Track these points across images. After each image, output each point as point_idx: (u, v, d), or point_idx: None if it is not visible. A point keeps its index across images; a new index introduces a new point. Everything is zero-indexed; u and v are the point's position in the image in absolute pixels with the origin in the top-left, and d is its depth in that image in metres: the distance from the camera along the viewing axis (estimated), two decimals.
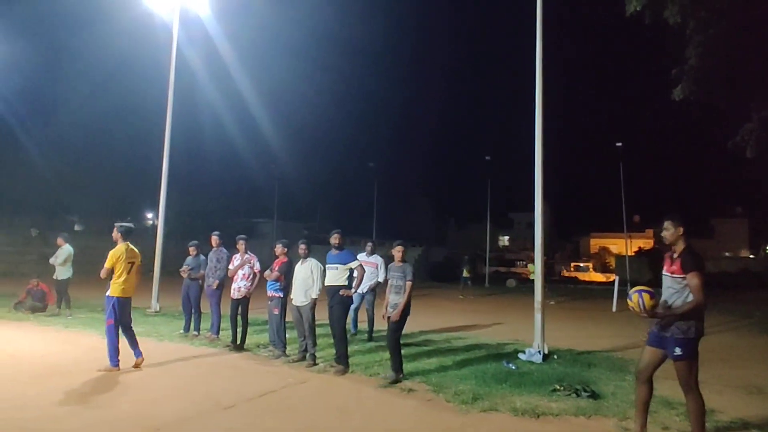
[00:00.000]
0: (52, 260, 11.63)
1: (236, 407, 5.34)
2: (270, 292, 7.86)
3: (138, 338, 7.00)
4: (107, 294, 6.72)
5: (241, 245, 8.62)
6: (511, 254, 48.91)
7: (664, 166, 78.79)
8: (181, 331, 9.48)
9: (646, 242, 52.22)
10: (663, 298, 4.46)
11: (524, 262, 36.75)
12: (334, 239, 7.30)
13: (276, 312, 7.82)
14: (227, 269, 8.80)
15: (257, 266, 8.56)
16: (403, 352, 6.82)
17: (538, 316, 8.53)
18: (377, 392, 6.07)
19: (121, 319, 6.71)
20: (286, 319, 7.90)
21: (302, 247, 7.57)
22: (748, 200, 53.91)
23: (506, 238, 64.00)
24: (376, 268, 9.62)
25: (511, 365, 7.44)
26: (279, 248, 7.94)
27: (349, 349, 7.19)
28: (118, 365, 6.59)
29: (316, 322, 7.50)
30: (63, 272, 11.46)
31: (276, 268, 7.79)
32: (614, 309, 17.26)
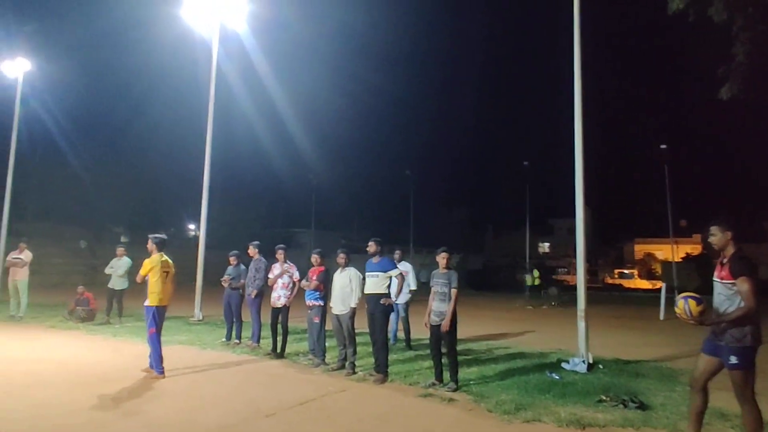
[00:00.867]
0: (108, 270, 12.06)
1: (277, 415, 5.37)
2: (309, 301, 7.92)
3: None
4: (146, 304, 6.95)
5: (280, 255, 8.72)
6: (552, 261, 48.00)
7: (712, 168, 75.71)
8: (223, 339, 9.65)
9: (693, 248, 50.36)
10: (714, 304, 4.29)
11: (566, 269, 36.02)
12: (372, 247, 7.30)
13: (315, 320, 7.87)
14: (266, 278, 8.92)
15: (296, 275, 8.65)
16: (442, 361, 6.76)
17: (581, 325, 8.31)
18: (417, 401, 6.01)
19: (158, 328, 6.91)
20: (326, 328, 7.94)
21: (341, 256, 7.60)
22: None
23: (546, 244, 62.79)
24: (406, 275, 9.56)
25: (554, 375, 7.26)
26: (315, 258, 8.02)
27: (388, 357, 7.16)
28: (163, 372, 6.75)
29: (356, 331, 7.50)
30: (121, 283, 11.91)
31: (313, 278, 7.85)
32: (662, 317, 16.69)
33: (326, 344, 8.02)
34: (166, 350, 7.07)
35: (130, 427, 4.95)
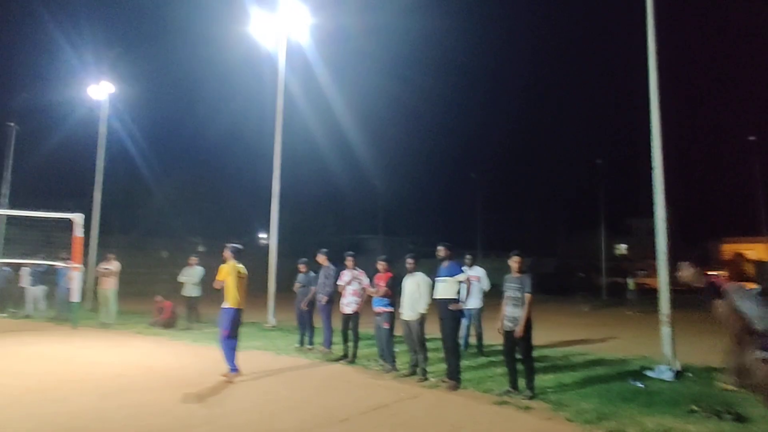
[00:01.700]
0: (182, 278, 12.72)
1: (350, 420, 5.40)
2: (378, 307, 7.93)
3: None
4: (223, 306, 7.24)
5: (349, 261, 8.80)
6: (630, 263, 45.76)
7: None
8: (297, 344, 9.85)
9: None
10: None
11: (645, 272, 34.20)
12: (441, 252, 7.21)
13: (385, 326, 7.87)
14: (336, 285, 9.03)
15: (365, 282, 8.69)
16: (516, 368, 6.56)
17: (666, 330, 7.85)
18: (492, 409, 5.86)
19: (232, 330, 7.17)
20: (396, 334, 7.92)
21: (410, 261, 7.57)
22: None
23: (623, 246, 59.94)
24: (478, 280, 9.38)
25: (638, 383, 6.89)
26: (381, 264, 8.02)
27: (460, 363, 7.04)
28: (237, 370, 7.05)
29: (426, 336, 7.43)
30: (194, 290, 12.54)
31: (380, 284, 7.85)
32: None
33: (396, 350, 8.00)
34: (242, 355, 7.32)
35: (213, 430, 5.12)
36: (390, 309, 7.83)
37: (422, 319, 7.31)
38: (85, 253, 14.96)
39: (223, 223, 39.16)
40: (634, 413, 5.54)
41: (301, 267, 10.07)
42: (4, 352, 9.04)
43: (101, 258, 14.54)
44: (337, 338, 8.97)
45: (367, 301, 8.57)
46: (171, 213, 36.12)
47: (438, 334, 7.11)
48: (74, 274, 12.86)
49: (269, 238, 15.56)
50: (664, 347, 7.79)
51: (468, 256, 9.65)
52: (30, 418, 5.25)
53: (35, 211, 13.88)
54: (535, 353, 9.52)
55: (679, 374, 7.42)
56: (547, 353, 9.53)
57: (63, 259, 13.78)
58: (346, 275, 8.79)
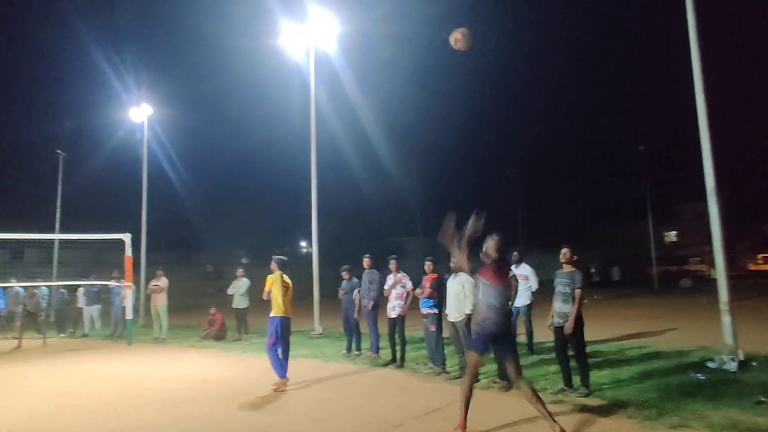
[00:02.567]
0: (231, 291, 13.02)
1: (405, 426, 5.36)
2: (424, 310, 7.88)
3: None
4: (271, 315, 7.37)
5: (393, 265, 8.79)
6: (681, 251, 44.19)
7: None
8: (344, 351, 9.88)
9: None
10: None
11: (698, 259, 32.95)
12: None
13: (432, 329, 7.81)
14: (380, 289, 9.03)
15: (409, 285, 8.66)
16: (570, 365, 6.39)
17: (726, 319, 7.51)
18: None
19: (282, 338, 7.28)
20: (443, 335, 7.84)
21: (452, 262, 7.48)
22: None
23: (673, 233, 57.85)
24: (526, 279, 9.13)
25: (699, 375, 6.61)
26: (428, 265, 7.98)
27: None
28: (285, 376, 7.15)
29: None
30: (243, 302, 12.80)
31: (426, 285, 7.80)
32: None
33: (444, 352, 7.92)
34: (290, 363, 7.40)
35: None
36: (435, 311, 7.77)
37: (468, 320, 7.21)
38: (136, 271, 15.44)
39: (263, 234, 39.87)
40: (698, 407, 5.31)
41: (344, 274, 10.11)
42: (65, 370, 9.42)
43: (150, 275, 14.99)
44: (384, 342, 8.96)
45: (413, 303, 8.52)
46: (213, 228, 37.04)
47: None
48: (127, 293, 13.30)
49: (310, 246, 15.72)
50: (725, 336, 7.46)
51: (515, 253, 9.24)
52: None
53: (85, 233, 14.44)
54: (588, 349, 9.31)
55: (742, 364, 7.08)
56: (601, 348, 9.25)
57: (115, 278, 14.29)
58: (390, 279, 8.78)
